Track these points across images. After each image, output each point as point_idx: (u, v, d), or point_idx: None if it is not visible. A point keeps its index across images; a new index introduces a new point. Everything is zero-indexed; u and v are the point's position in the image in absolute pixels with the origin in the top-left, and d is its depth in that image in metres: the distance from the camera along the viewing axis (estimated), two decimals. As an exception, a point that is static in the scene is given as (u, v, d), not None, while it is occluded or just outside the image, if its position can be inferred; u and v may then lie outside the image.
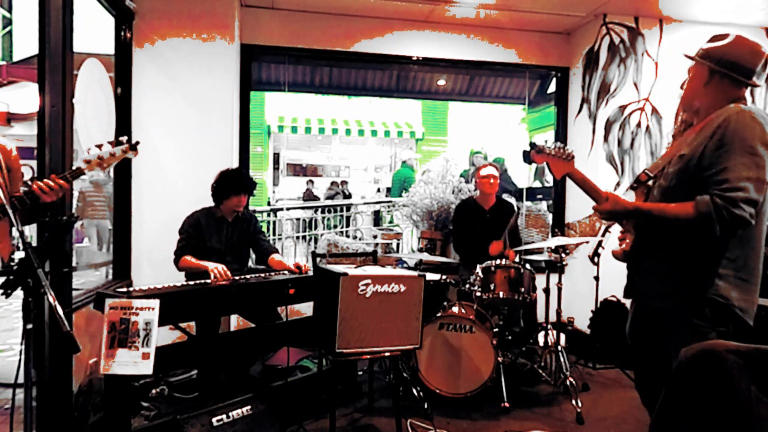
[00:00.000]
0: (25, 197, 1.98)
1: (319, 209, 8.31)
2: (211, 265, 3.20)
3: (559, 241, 3.63)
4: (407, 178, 7.64)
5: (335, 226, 8.14)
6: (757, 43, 1.93)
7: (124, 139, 2.18)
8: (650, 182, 2.05)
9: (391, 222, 8.33)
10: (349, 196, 10.37)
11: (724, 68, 1.89)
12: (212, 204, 3.50)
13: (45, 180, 2.02)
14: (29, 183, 2.08)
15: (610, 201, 1.98)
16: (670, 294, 1.92)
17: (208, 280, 2.99)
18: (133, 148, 2.17)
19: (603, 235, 3.72)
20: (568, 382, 3.41)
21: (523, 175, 7.68)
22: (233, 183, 3.41)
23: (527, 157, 2.17)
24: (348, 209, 8.39)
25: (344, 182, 11.07)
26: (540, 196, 6.58)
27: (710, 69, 1.91)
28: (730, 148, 1.77)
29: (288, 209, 8.41)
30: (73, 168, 2.09)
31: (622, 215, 2.04)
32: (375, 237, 7.55)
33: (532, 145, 2.12)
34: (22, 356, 1.73)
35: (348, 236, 8.00)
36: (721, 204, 1.74)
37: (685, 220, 1.82)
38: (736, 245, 1.83)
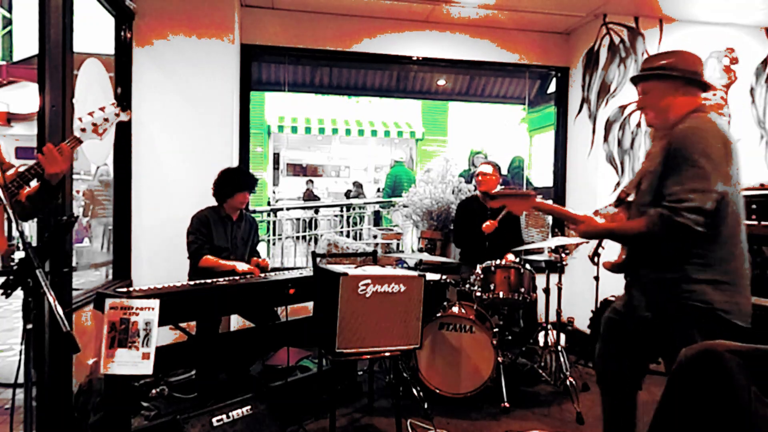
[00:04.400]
0: (35, 168, 1.96)
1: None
2: (239, 266, 3.31)
3: (559, 241, 3.63)
4: (409, 177, 7.73)
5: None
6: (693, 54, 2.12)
7: (114, 102, 2.18)
8: (629, 198, 2.17)
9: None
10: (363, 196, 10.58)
11: (691, 76, 2.02)
12: (213, 203, 3.52)
13: (45, 148, 1.99)
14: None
15: (585, 223, 2.15)
16: (657, 303, 2.01)
17: (208, 280, 2.99)
18: (124, 108, 2.17)
19: (603, 235, 3.72)
20: (568, 382, 3.41)
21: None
22: (236, 180, 3.45)
23: (492, 197, 2.39)
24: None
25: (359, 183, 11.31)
26: (540, 196, 6.56)
27: (680, 78, 2.02)
28: (677, 162, 1.90)
29: (288, 209, 8.42)
30: (69, 138, 2.06)
31: (595, 236, 2.25)
32: (375, 237, 7.55)
33: (486, 194, 2.42)
34: (22, 356, 1.72)
35: (349, 236, 8.02)
36: (666, 214, 1.87)
37: (639, 234, 1.99)
38: (713, 250, 1.91)
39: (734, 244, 1.94)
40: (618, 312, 2.23)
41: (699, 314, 1.89)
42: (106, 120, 2.11)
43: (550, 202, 2.26)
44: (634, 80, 2.18)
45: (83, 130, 2.07)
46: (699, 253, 1.90)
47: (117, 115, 2.14)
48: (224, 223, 3.53)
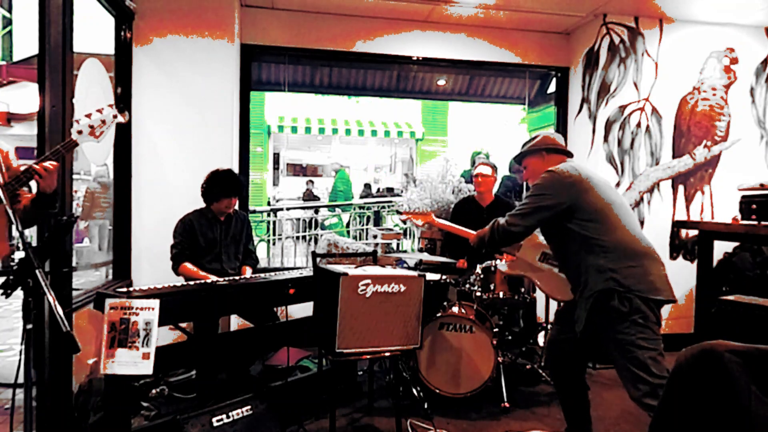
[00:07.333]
0: (22, 176, 1.98)
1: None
2: (212, 278, 3.25)
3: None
4: (345, 183, 8.24)
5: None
6: (552, 133, 2.87)
7: (112, 104, 2.17)
8: None
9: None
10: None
11: (550, 147, 2.74)
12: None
13: (38, 165, 2.00)
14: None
15: (472, 237, 2.84)
16: (590, 305, 2.38)
17: (209, 280, 2.99)
18: (122, 110, 2.16)
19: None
20: (568, 382, 3.41)
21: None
22: (222, 185, 3.43)
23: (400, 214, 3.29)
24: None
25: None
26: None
27: (543, 150, 2.73)
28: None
29: (288, 209, 8.42)
30: (65, 141, 2.06)
31: (475, 242, 2.83)
32: (375, 237, 7.55)
33: (397, 211, 3.29)
34: (22, 356, 1.73)
35: (349, 236, 8.02)
36: (500, 220, 2.61)
37: (485, 235, 2.69)
38: (610, 250, 2.36)
39: (630, 238, 2.40)
40: (566, 310, 2.63)
41: (623, 298, 2.29)
42: (103, 122, 2.10)
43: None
44: (517, 160, 2.86)
45: (80, 132, 2.06)
46: (604, 254, 2.36)
47: (115, 117, 2.13)
48: (211, 224, 3.50)
